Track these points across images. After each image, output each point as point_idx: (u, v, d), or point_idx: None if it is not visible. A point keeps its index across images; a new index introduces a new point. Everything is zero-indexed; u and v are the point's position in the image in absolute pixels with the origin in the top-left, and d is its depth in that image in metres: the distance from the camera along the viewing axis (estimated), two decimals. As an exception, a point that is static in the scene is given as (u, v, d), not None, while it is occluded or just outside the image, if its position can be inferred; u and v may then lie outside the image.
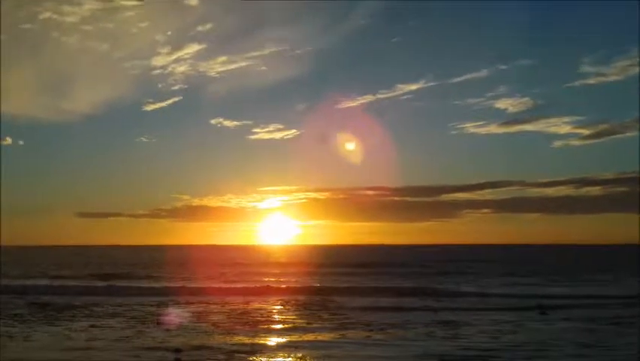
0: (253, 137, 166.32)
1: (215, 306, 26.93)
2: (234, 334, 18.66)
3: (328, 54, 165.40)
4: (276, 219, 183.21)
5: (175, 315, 23.53)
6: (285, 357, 14.97)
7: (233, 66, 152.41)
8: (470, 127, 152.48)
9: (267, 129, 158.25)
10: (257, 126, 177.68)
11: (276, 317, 23.39)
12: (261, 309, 25.87)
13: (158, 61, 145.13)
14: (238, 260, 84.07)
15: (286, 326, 20.66)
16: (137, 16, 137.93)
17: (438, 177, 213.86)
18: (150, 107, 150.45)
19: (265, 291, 35.26)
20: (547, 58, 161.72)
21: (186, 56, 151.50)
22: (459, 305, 27.33)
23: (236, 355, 15.14)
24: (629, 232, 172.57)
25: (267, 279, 46.26)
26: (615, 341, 17.18)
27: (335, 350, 15.69)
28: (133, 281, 43.91)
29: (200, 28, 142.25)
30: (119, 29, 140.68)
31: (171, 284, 40.11)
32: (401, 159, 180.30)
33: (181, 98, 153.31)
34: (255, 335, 18.60)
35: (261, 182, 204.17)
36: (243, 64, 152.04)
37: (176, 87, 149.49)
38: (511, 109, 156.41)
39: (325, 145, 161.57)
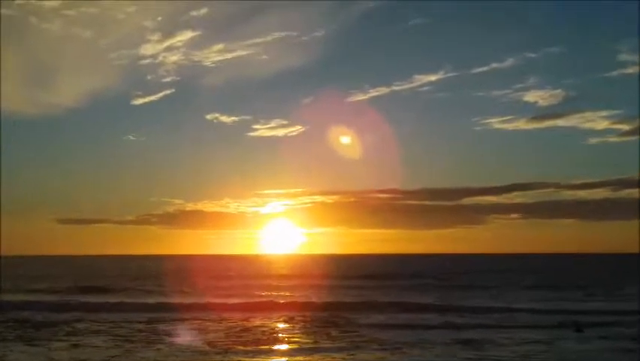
0: (253, 134, 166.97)
1: (211, 323, 26.93)
2: (233, 354, 18.68)
3: (337, 41, 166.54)
4: (279, 225, 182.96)
5: (167, 333, 23.55)
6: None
7: (230, 55, 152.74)
8: (496, 122, 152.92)
9: (268, 125, 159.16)
10: (257, 122, 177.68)
11: (279, 335, 23.39)
12: (262, 326, 25.87)
13: (147, 50, 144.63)
14: (237, 272, 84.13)
15: (291, 346, 20.68)
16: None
17: (460, 178, 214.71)
18: (139, 101, 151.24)
19: (267, 306, 35.20)
20: (582, 45, 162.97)
21: (179, 44, 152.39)
22: (483, 322, 27.22)
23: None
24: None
25: (269, 293, 46.25)
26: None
27: (345, 373, 15.68)
28: (119, 295, 43.95)
29: (193, 13, 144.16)
30: (104, 15, 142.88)
31: (162, 299, 40.11)
32: (418, 158, 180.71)
33: (173, 90, 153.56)
34: (256, 355, 18.62)
35: (262, 184, 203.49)
36: (242, 52, 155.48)
37: (167, 79, 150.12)
38: (541, 102, 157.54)
39: (333, 143, 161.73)
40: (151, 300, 39.23)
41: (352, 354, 18.59)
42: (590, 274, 74.63)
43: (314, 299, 39.27)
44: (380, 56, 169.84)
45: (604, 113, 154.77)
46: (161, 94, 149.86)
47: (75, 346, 20.55)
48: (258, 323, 27.24)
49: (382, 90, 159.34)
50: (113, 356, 18.39)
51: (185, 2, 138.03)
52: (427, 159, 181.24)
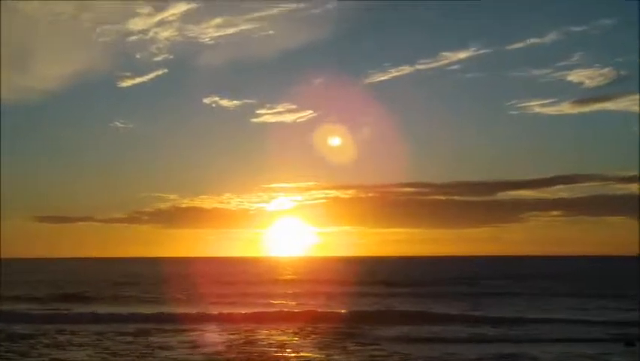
0: (257, 120, 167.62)
1: (210, 335, 27.02)
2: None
3: (353, 14, 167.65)
4: (287, 224, 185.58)
5: (160, 347, 23.65)
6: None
7: (231, 30, 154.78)
8: (535, 106, 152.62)
9: (274, 110, 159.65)
10: (262, 106, 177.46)
11: (287, 349, 23.49)
12: (268, 339, 25.99)
13: (136, 24, 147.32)
14: (240, 277, 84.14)
15: (301, 361, 20.74)
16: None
17: (494, 170, 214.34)
18: (127, 83, 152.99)
19: (274, 316, 35.23)
20: (635, 16, 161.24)
21: (172, 18, 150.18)
22: (520, 334, 27.25)
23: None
24: None
25: (275, 301, 46.36)
26: None
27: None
28: (106, 304, 44.21)
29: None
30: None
31: (155, 308, 40.18)
32: (446, 147, 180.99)
33: (166, 71, 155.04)
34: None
35: (267, 177, 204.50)
36: (245, 27, 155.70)
37: (159, 58, 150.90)
38: (587, 83, 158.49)
39: (349, 130, 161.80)
40: (142, 309, 39.31)
41: (370, 371, 18.62)
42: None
43: (327, 308, 39.30)
44: (402, 31, 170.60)
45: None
46: (152, 75, 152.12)
47: (56, 361, 20.68)
48: (263, 335, 27.32)
49: (405, 70, 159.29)
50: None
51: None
52: (456, 149, 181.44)
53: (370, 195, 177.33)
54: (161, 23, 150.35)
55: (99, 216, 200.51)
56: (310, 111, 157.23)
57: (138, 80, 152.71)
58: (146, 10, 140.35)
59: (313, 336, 26.93)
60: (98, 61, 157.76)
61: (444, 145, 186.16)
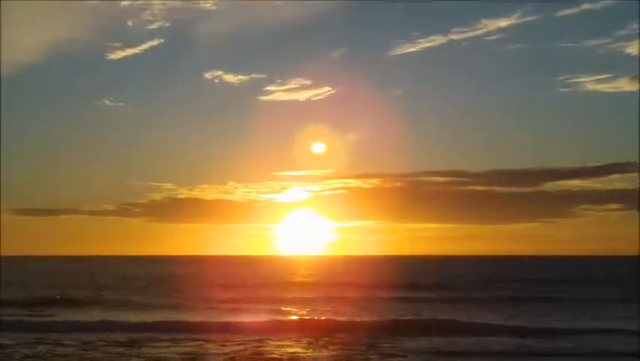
0: (267, 97, 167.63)
1: (212, 346, 27.13)
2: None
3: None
4: (301, 218, 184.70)
5: (155, 359, 23.72)
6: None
7: None
8: (588, 82, 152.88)
9: (286, 87, 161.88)
10: (272, 82, 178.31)
11: (301, 364, 23.54)
12: (278, 351, 26.07)
13: None
14: (246, 279, 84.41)
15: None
16: None
17: (540, 156, 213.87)
18: (117, 55, 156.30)
19: (286, 325, 35.32)
20: None
21: None
22: (569, 347, 27.27)
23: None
24: None
25: (288, 308, 46.32)
26: None
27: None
28: (93, 309, 44.34)
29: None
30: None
31: (149, 315, 40.28)
32: (485, 129, 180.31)
33: (162, 41, 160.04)
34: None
35: (278, 164, 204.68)
36: None
37: (154, 26, 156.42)
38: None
39: (372, 110, 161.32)
40: (134, 316, 39.38)
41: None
42: None
43: (346, 316, 39.16)
44: None
45: None
46: (145, 46, 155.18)
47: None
48: (272, 346, 27.38)
49: (437, 40, 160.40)
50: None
51: None
52: (495, 132, 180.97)
53: (397, 185, 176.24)
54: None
55: (85, 208, 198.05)
56: (327, 88, 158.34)
57: (130, 51, 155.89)
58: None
59: (330, 348, 26.95)
60: (84, 30, 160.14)
61: (482, 128, 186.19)
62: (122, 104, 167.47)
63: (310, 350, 26.63)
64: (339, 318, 37.79)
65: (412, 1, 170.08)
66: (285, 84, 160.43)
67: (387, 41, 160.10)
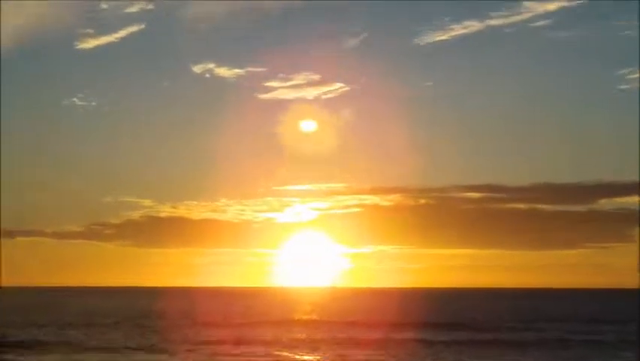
0: (267, 95, 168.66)
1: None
2: None
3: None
4: (306, 242, 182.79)
5: None
6: None
7: None
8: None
9: (291, 82, 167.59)
10: (274, 77, 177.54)
11: None
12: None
13: None
14: (239, 316, 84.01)
15: None
16: None
17: (594, 167, 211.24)
18: (89, 44, 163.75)
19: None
20: None
21: None
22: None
23: None
24: None
25: (289, 353, 45.62)
26: None
27: None
28: (53, 352, 44.78)
29: None
30: None
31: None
32: (528, 135, 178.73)
33: (142, 27, 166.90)
34: None
35: (280, 176, 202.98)
36: None
37: (132, 9, 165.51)
38: None
39: (393, 111, 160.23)
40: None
41: None
42: None
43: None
44: None
45: None
46: (123, 32, 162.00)
47: None
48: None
49: (472, 26, 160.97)
50: None
51: None
52: (541, 137, 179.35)
53: (422, 201, 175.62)
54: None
55: (47, 229, 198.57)
56: (340, 84, 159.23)
57: (104, 39, 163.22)
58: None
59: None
60: (51, 14, 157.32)
61: (523, 133, 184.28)
62: (94, 103, 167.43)
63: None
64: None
65: None
66: (289, 79, 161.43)
67: (412, 27, 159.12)
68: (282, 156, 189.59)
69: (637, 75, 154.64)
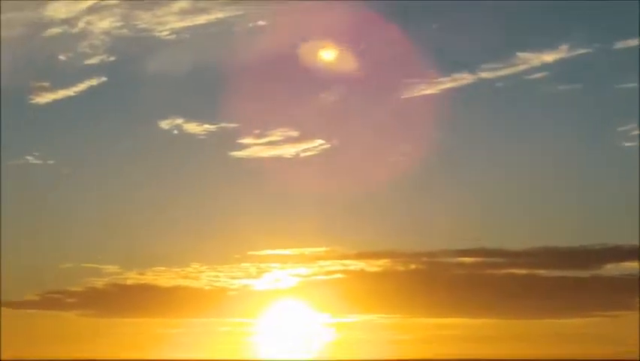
0: (241, 153, 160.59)
1: None
2: None
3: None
4: (287, 310, 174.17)
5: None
6: None
7: (203, 19, 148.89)
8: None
9: (266, 139, 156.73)
10: (248, 133, 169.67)
11: None
12: None
13: (57, 11, 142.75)
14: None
15: None
16: None
17: (598, 230, 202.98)
18: (45, 99, 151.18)
19: None
20: None
21: (114, 2, 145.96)
22: None
23: None
24: None
25: None
26: None
27: None
28: None
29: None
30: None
31: None
32: (525, 194, 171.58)
33: (103, 80, 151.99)
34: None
35: (256, 240, 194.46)
36: (223, 15, 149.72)
37: (93, 60, 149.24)
38: None
39: (378, 168, 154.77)
40: None
41: None
42: None
43: None
44: (458, 21, 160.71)
45: None
46: (82, 85, 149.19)
47: None
48: None
49: (463, 79, 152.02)
50: None
51: None
52: (540, 198, 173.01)
53: (412, 267, 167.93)
54: (96, 9, 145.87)
55: (1, 297, 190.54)
56: (320, 141, 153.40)
57: (62, 93, 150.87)
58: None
59: None
60: (2, 66, 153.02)
61: (520, 192, 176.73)
62: (52, 162, 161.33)
63: None
64: None
65: (428, 27, 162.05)
66: (264, 136, 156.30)
67: (398, 81, 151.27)
68: (259, 218, 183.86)
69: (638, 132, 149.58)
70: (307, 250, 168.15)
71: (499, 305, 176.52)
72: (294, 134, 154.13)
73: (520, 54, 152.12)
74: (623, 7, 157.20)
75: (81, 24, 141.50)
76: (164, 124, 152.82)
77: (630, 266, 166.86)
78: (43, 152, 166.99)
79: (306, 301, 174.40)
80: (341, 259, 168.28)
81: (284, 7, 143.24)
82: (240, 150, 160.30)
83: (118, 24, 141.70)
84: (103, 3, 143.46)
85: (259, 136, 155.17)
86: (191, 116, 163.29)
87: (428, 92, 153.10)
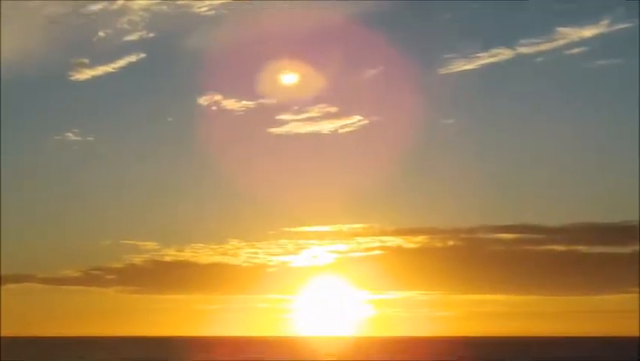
0: (279, 129, 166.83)
1: None
2: None
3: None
4: (325, 286, 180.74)
5: None
6: None
7: None
8: None
9: (305, 115, 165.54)
10: (286, 110, 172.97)
11: None
12: None
13: None
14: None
15: None
16: None
17: (637, 205, 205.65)
18: (85, 75, 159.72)
19: None
20: None
21: None
22: None
23: None
24: None
25: None
26: None
27: None
28: None
29: None
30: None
31: None
32: (565, 171, 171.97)
33: (142, 56, 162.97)
34: None
35: (294, 217, 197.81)
36: None
37: (132, 37, 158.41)
38: None
39: (417, 146, 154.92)
40: None
41: None
42: None
43: None
44: None
45: None
46: (121, 62, 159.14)
47: None
48: None
49: (501, 54, 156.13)
50: None
51: None
52: (580, 174, 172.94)
53: (450, 243, 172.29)
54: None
55: (42, 274, 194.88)
56: (358, 117, 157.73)
57: (101, 70, 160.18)
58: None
59: None
60: (43, 43, 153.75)
61: (560, 168, 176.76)
62: (91, 138, 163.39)
63: None
64: None
65: (467, 4, 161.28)
66: (303, 112, 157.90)
67: (436, 56, 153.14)
68: (297, 194, 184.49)
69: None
70: (345, 227, 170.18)
71: (540, 282, 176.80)
72: (333, 110, 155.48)
73: (560, 29, 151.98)
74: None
75: (120, 0, 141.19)
76: (203, 100, 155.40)
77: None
78: (82, 128, 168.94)
79: (344, 278, 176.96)
80: (379, 236, 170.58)
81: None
82: (278, 126, 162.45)
83: (157, 0, 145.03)
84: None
85: (297, 112, 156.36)
86: (229, 92, 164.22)
87: (467, 67, 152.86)
